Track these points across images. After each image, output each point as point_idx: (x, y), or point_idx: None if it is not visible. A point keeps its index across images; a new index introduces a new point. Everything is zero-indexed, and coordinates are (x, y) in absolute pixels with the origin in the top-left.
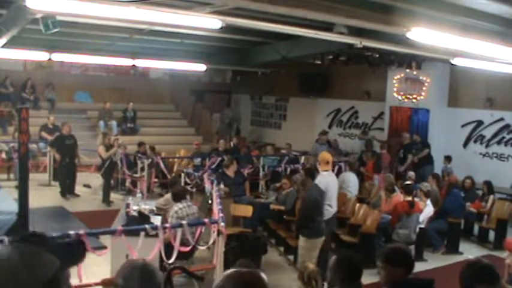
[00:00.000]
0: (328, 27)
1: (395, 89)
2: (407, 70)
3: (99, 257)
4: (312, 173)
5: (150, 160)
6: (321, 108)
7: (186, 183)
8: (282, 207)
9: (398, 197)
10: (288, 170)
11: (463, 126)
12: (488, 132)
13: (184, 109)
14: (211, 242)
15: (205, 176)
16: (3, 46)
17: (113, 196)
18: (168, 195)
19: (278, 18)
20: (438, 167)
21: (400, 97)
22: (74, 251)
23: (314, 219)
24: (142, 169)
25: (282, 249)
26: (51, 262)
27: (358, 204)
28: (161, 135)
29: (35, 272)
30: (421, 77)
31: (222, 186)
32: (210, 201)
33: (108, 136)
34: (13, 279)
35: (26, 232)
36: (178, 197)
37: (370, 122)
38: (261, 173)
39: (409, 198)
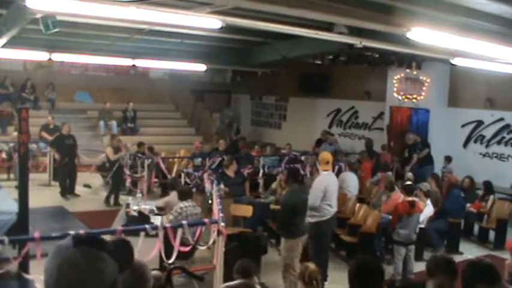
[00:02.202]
0: (328, 27)
1: (395, 89)
2: (407, 70)
3: None
4: (294, 174)
5: (150, 160)
6: (321, 108)
7: (186, 183)
8: None
9: (398, 195)
10: None
11: (463, 126)
12: (488, 132)
13: (184, 109)
14: (211, 242)
15: (205, 176)
16: (3, 46)
17: (113, 196)
18: (167, 198)
19: (278, 18)
20: (438, 167)
21: (400, 97)
22: (123, 255)
23: (292, 222)
24: (142, 169)
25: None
26: (114, 267)
27: (358, 204)
28: (161, 135)
29: (100, 277)
30: (421, 77)
31: (222, 186)
32: (210, 201)
33: (116, 137)
34: (78, 284)
35: (85, 235)
36: (184, 196)
37: (370, 122)
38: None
39: (410, 199)
